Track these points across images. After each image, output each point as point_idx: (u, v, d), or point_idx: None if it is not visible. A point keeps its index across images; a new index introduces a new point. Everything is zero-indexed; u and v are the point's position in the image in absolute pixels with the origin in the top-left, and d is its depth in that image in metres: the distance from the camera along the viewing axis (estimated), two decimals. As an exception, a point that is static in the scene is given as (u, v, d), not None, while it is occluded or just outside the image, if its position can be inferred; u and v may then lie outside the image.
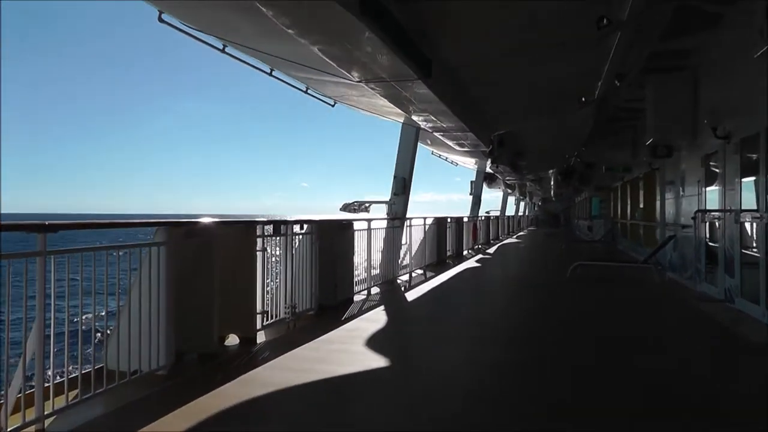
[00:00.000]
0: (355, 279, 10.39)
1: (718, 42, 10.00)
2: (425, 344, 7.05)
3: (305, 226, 8.54)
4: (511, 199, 46.23)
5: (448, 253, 19.26)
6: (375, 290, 11.28)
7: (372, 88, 8.93)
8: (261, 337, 6.90)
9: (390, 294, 11.17)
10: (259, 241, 7.09)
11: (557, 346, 6.77)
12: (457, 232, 20.63)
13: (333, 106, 11.84)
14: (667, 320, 8.75)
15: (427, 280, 13.53)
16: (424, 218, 16.26)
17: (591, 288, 12.16)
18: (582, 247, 24.57)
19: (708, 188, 10.92)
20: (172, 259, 5.13)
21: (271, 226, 7.76)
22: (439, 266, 16.66)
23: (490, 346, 6.78)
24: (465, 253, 21.83)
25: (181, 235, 5.47)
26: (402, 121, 13.10)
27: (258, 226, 7.16)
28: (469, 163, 24.04)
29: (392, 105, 10.14)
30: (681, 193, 12.85)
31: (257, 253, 6.96)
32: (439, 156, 22.30)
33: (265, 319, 7.27)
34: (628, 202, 21.84)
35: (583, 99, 11.70)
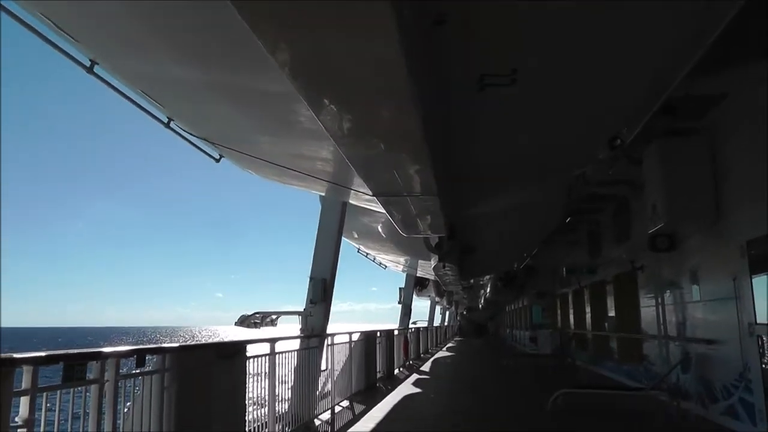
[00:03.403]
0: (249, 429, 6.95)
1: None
2: None
3: (150, 359, 4.98)
4: (437, 308, 43.51)
5: (379, 375, 15.68)
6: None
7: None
8: None
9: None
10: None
11: None
12: (388, 349, 17.27)
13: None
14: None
15: (356, 419, 10.03)
16: (350, 334, 12.78)
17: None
18: (531, 363, 21.62)
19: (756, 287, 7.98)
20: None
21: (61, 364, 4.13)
22: (369, 394, 13.21)
23: None
24: (397, 372, 18.33)
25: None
26: (322, 193, 9.73)
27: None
28: (399, 265, 20.91)
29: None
30: (693, 297, 9.93)
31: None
32: (366, 255, 19.24)
33: None
34: (588, 309, 18.97)
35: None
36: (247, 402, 6.95)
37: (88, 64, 4.77)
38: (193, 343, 6.36)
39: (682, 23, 4.44)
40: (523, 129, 5.79)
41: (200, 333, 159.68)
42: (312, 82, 3.44)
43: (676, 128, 9.16)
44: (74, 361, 4.09)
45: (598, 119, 6.04)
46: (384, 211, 9.15)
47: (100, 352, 4.49)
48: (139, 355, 5.00)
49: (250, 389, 7.13)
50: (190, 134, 6.48)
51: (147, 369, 5.13)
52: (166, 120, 6.02)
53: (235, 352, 6.74)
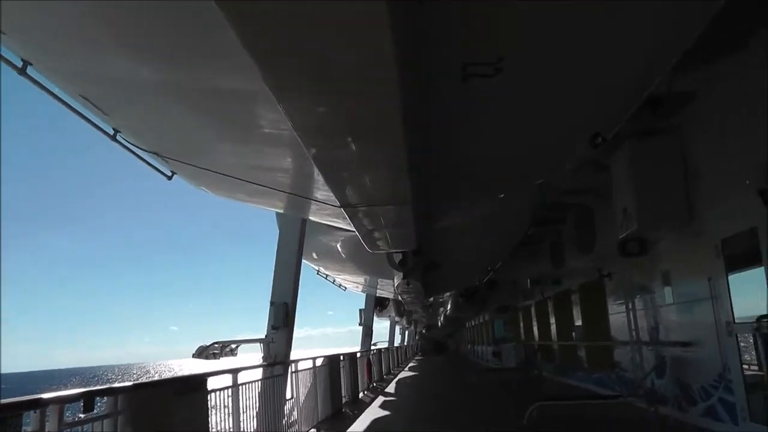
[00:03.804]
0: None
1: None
2: None
3: (100, 402, 4.40)
4: (396, 328, 42.97)
5: (344, 400, 15.08)
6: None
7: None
8: None
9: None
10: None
11: None
12: (352, 372, 16.64)
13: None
14: None
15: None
16: (314, 359, 12.16)
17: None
18: (497, 377, 21.14)
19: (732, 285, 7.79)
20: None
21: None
22: (336, 421, 12.60)
23: None
24: (361, 395, 17.70)
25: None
26: (281, 209, 9.12)
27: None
28: (359, 285, 20.35)
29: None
30: (666, 300, 9.74)
31: None
32: (326, 277, 18.61)
33: None
34: (552, 320, 18.74)
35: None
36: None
37: (20, 64, 4.17)
38: (147, 380, 5.68)
39: (668, 20, 4.20)
40: (505, 126, 5.39)
41: (156, 368, 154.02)
42: (284, 69, 2.96)
43: (645, 128, 9.02)
44: (6, 412, 3.47)
45: (581, 116, 5.70)
46: (348, 226, 8.67)
47: (39, 399, 3.85)
48: (87, 399, 4.38)
49: (213, 424, 6.53)
50: (140, 148, 5.87)
51: (96, 414, 4.52)
52: (112, 132, 5.41)
53: (194, 386, 6.15)
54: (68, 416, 4.11)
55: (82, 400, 4.33)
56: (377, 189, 5.16)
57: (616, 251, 10.37)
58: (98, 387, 4.64)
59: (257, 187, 6.67)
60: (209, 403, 6.35)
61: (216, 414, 6.64)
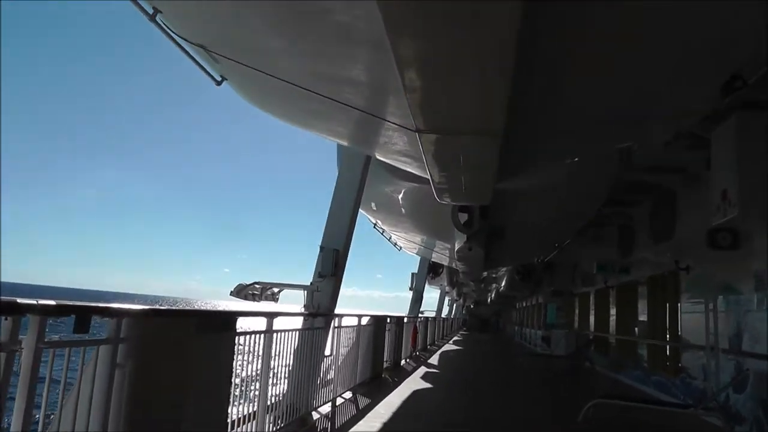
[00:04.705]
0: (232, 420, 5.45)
1: None
2: None
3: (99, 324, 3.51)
4: (445, 299, 42.07)
5: (385, 365, 14.24)
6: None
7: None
8: None
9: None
10: None
11: None
12: (397, 337, 15.80)
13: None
14: None
15: (360, 415, 8.53)
16: (359, 316, 11.29)
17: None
18: (543, 364, 20.12)
19: None
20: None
21: None
22: (374, 386, 11.75)
23: None
24: (403, 362, 16.86)
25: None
26: (345, 140, 8.03)
27: None
28: (415, 246, 19.29)
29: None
30: (756, 305, 8.47)
31: None
32: (382, 232, 17.64)
33: None
34: (613, 312, 17.41)
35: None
36: (233, 389, 5.49)
37: None
38: (165, 307, 4.76)
39: None
40: (625, 53, 4.19)
41: (202, 305, 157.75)
42: None
43: (759, 100, 7.65)
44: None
45: (715, 48, 4.40)
46: (417, 169, 7.57)
47: (14, 303, 2.94)
48: (81, 315, 3.42)
49: (238, 373, 5.68)
50: (183, 39, 4.90)
51: (91, 337, 3.63)
52: (151, 10, 4.45)
53: (222, 325, 5.25)
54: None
55: (75, 317, 3.42)
56: (467, 111, 4.07)
57: (699, 242, 9.29)
58: (98, 304, 3.76)
59: (319, 106, 5.63)
60: (236, 347, 5.49)
61: (243, 361, 5.78)
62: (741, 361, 8.81)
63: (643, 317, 14.78)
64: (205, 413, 4.78)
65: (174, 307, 4.61)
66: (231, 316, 5.44)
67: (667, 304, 13.06)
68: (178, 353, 4.36)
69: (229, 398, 5.24)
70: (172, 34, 4.76)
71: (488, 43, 3.05)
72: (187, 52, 5.11)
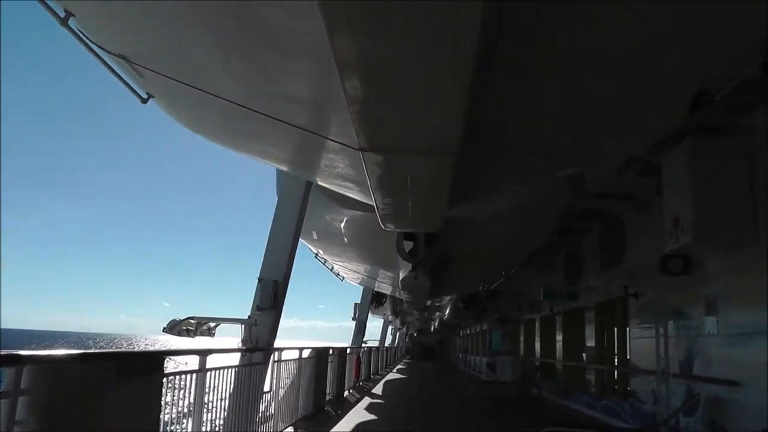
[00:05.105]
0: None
1: None
2: None
3: None
4: (388, 328, 41.71)
5: (328, 397, 13.70)
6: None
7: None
8: None
9: None
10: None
11: None
12: (340, 368, 15.28)
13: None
14: None
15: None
16: (300, 349, 10.76)
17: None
18: (489, 390, 19.84)
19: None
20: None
21: None
22: (317, 420, 11.24)
23: None
24: (346, 394, 16.31)
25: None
26: (284, 164, 7.57)
27: None
28: (358, 276, 18.91)
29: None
30: (708, 330, 8.41)
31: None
32: (324, 262, 17.19)
33: None
34: (559, 338, 17.38)
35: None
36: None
37: None
38: (79, 352, 4.16)
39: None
40: (592, 68, 3.97)
41: (141, 341, 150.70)
42: None
43: (711, 125, 7.71)
44: None
45: (686, 63, 4.24)
46: (359, 194, 7.20)
47: None
48: None
49: (168, 418, 5.14)
50: (101, 48, 4.40)
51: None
52: (63, 13, 3.96)
53: (147, 367, 4.71)
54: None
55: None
56: (418, 125, 3.74)
57: (649, 268, 9.38)
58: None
59: (258, 126, 5.20)
60: (164, 390, 4.95)
61: (172, 404, 5.23)
62: (692, 385, 8.75)
63: (590, 343, 14.79)
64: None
65: (89, 351, 4.03)
66: (158, 357, 4.91)
67: (615, 330, 13.07)
68: (94, 403, 3.83)
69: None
70: (88, 42, 4.26)
71: (445, 44, 2.72)
72: (106, 64, 4.61)
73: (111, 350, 5.52)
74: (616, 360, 13.01)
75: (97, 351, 4.05)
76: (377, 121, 3.76)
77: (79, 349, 3.74)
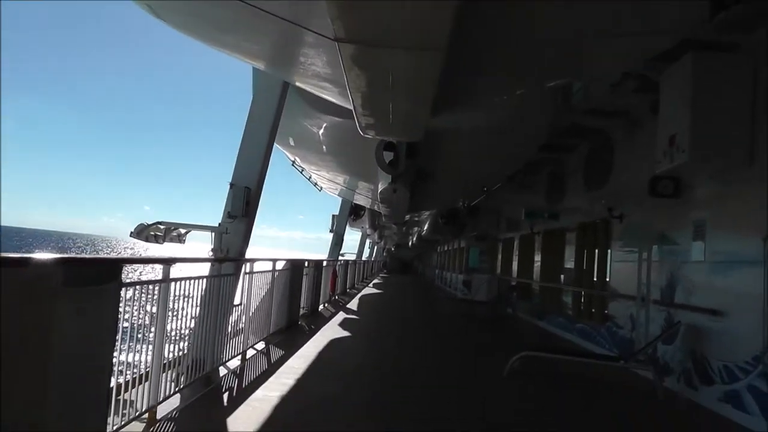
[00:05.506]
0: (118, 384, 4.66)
1: None
2: None
3: None
4: (366, 242, 41.75)
5: (302, 311, 13.58)
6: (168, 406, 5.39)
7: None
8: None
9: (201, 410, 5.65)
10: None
11: None
12: (315, 282, 15.15)
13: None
14: None
15: (272, 369, 7.89)
16: (274, 261, 10.43)
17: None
18: (464, 309, 19.89)
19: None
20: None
21: None
22: (290, 334, 11.11)
23: None
24: (321, 308, 16.28)
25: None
26: (261, 62, 6.92)
27: None
28: (337, 186, 18.46)
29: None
30: (693, 256, 8.16)
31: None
32: (302, 171, 16.70)
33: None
34: (538, 258, 17.18)
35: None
36: (118, 352, 4.61)
37: None
38: (17, 256, 3.71)
39: None
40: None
41: (121, 246, 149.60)
42: None
43: (715, 41, 7.23)
44: None
45: None
46: (338, 97, 6.66)
47: None
48: None
49: (125, 331, 4.78)
50: None
51: None
52: None
53: (101, 275, 4.29)
54: None
55: None
56: (403, 14, 3.20)
57: (636, 190, 9.18)
58: None
59: (230, 14, 4.57)
60: (122, 302, 4.56)
61: (131, 318, 4.87)
62: (672, 313, 8.58)
63: (570, 264, 14.45)
64: (78, 384, 3.90)
65: (31, 255, 3.56)
66: (115, 264, 4.48)
67: (597, 252, 12.85)
68: (36, 316, 3.43)
69: (111, 363, 4.36)
70: None
71: None
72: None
73: (62, 256, 5.08)
74: (594, 283, 12.85)
75: (41, 256, 3.57)
76: (356, 3, 3.20)
77: (58, 251, 3.29)
